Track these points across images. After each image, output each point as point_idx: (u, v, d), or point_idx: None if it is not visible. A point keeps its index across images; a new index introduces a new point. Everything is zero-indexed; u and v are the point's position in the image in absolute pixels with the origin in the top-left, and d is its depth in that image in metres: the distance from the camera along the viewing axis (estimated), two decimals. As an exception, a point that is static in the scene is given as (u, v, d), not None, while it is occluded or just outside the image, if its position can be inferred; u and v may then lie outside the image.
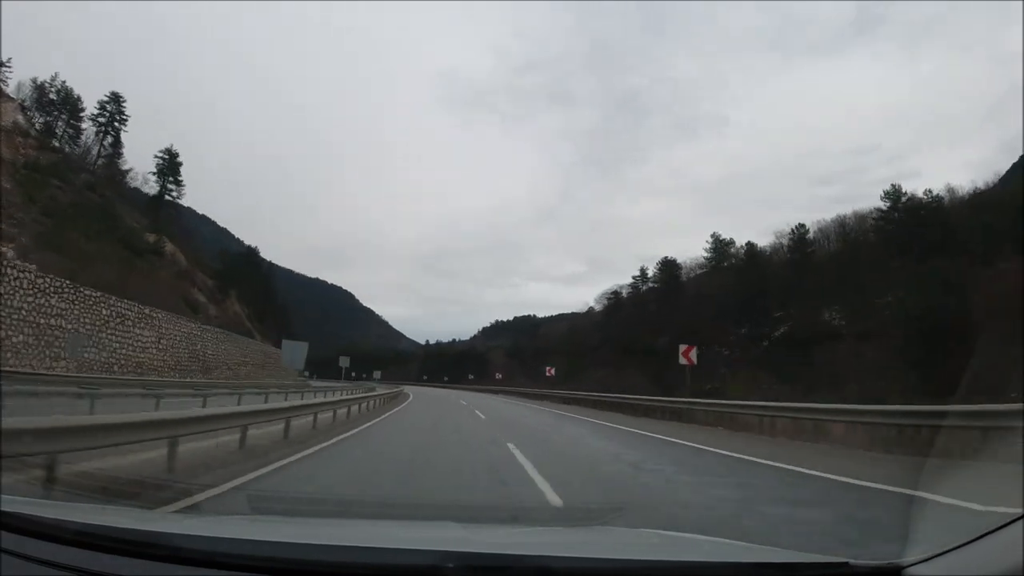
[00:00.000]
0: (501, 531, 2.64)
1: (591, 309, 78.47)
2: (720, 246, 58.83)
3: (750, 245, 53.72)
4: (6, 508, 1.44)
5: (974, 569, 1.05)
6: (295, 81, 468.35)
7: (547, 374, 39.52)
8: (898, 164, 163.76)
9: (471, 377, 77.92)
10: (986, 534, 1.07)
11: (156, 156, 56.90)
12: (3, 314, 18.70)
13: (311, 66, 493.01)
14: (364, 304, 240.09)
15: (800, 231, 49.88)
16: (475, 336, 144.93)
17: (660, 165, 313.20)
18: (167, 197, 56.93)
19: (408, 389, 44.71)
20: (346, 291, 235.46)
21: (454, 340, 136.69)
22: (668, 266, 63.76)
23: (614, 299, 71.31)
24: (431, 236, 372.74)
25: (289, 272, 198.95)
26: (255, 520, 2.51)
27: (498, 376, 63.22)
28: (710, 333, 42.70)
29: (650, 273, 67.00)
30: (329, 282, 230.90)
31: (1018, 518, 1.02)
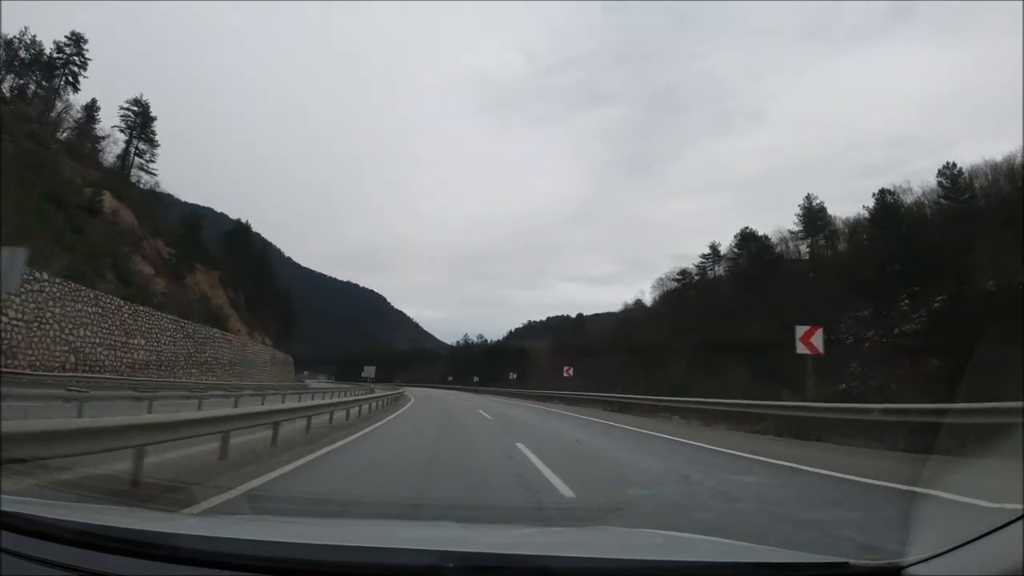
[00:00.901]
0: (501, 531, 3.11)
1: (639, 302, 79.29)
2: (813, 214, 58.23)
3: (883, 193, 50.97)
4: (6, 508, 1.80)
5: (974, 569, 1.29)
6: (325, 85, 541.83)
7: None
8: (940, 155, 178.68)
9: (513, 376, 73.98)
10: (986, 534, 1.31)
11: (122, 108, 58.04)
12: None
13: (341, 71, 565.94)
14: (396, 307, 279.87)
15: (951, 170, 46.98)
16: (507, 336, 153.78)
17: (696, 162, 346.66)
18: (138, 159, 58.68)
19: (421, 393, 44.57)
20: (378, 294, 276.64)
21: (485, 340, 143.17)
22: (748, 239, 62.21)
23: (682, 282, 69.21)
24: (463, 239, 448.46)
25: (321, 276, 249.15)
26: (255, 520, 3.00)
27: (568, 372, 50.21)
28: (819, 316, 39.15)
29: (722, 251, 66.03)
30: (361, 285, 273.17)
31: (1018, 518, 1.25)
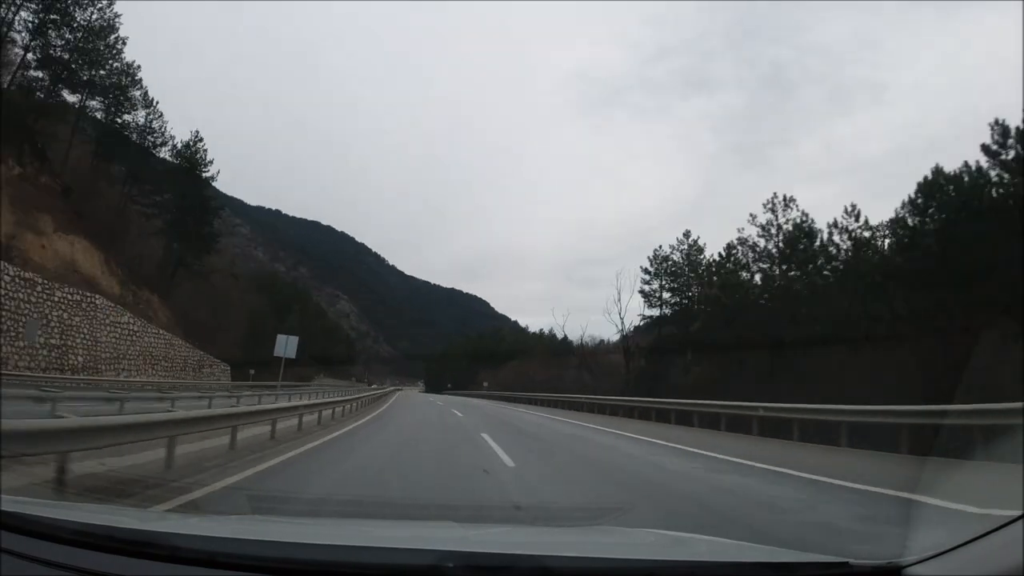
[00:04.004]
0: (501, 531, 3.19)
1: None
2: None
3: None
4: (6, 508, 1.83)
5: (974, 569, 1.32)
6: (425, 91, 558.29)
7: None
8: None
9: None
10: (986, 534, 1.34)
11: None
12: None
13: (436, 84, 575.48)
14: (500, 312, 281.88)
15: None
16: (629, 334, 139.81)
17: (814, 145, 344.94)
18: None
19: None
20: (481, 299, 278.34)
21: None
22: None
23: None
24: (567, 244, 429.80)
25: (425, 283, 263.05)
26: (255, 520, 3.05)
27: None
28: None
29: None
30: (465, 291, 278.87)
31: (1018, 518, 1.27)
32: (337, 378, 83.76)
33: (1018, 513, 1.28)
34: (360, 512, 5.06)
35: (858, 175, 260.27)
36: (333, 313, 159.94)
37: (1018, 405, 7.61)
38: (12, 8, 36.35)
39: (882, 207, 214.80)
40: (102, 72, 43.15)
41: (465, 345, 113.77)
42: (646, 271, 51.59)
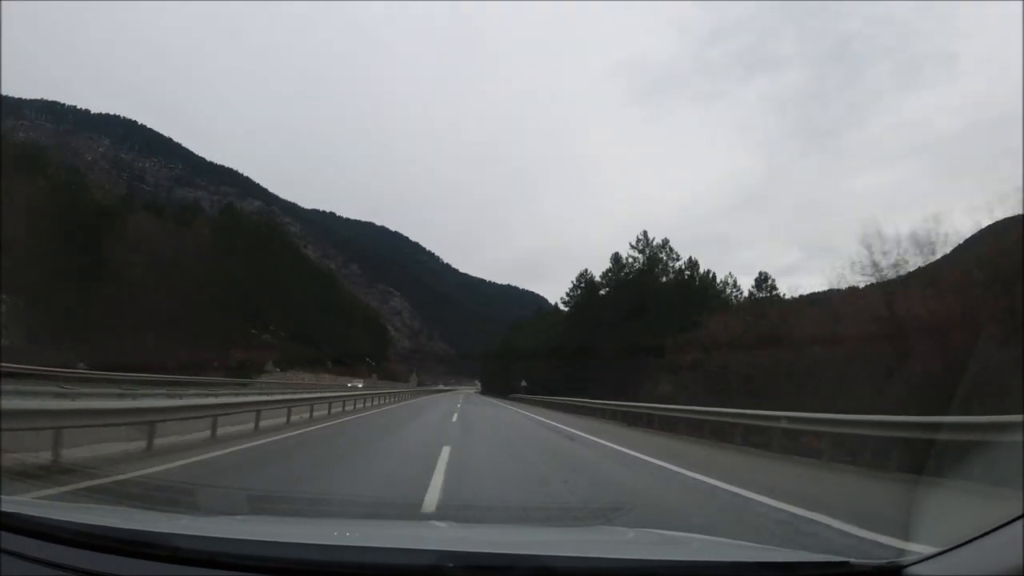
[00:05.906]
0: (501, 531, 3.21)
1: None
2: None
3: None
4: (6, 508, 1.86)
5: (974, 568, 1.31)
6: (477, 90, 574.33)
7: None
8: None
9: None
10: (986, 533, 1.33)
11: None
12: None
13: (488, 83, 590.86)
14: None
15: None
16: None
17: (884, 124, 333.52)
18: None
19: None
20: (539, 295, 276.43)
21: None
22: None
23: None
24: (624, 239, 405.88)
25: (480, 280, 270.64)
26: (256, 520, 3.07)
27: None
28: None
29: None
30: (520, 287, 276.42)
31: (1018, 518, 1.26)
32: (343, 375, 65.61)
33: (1018, 513, 1.27)
34: (361, 512, 5.16)
35: (930, 154, 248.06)
36: (386, 310, 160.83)
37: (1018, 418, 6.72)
38: None
39: (956, 191, 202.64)
40: None
41: (536, 331, 71.75)
42: None
